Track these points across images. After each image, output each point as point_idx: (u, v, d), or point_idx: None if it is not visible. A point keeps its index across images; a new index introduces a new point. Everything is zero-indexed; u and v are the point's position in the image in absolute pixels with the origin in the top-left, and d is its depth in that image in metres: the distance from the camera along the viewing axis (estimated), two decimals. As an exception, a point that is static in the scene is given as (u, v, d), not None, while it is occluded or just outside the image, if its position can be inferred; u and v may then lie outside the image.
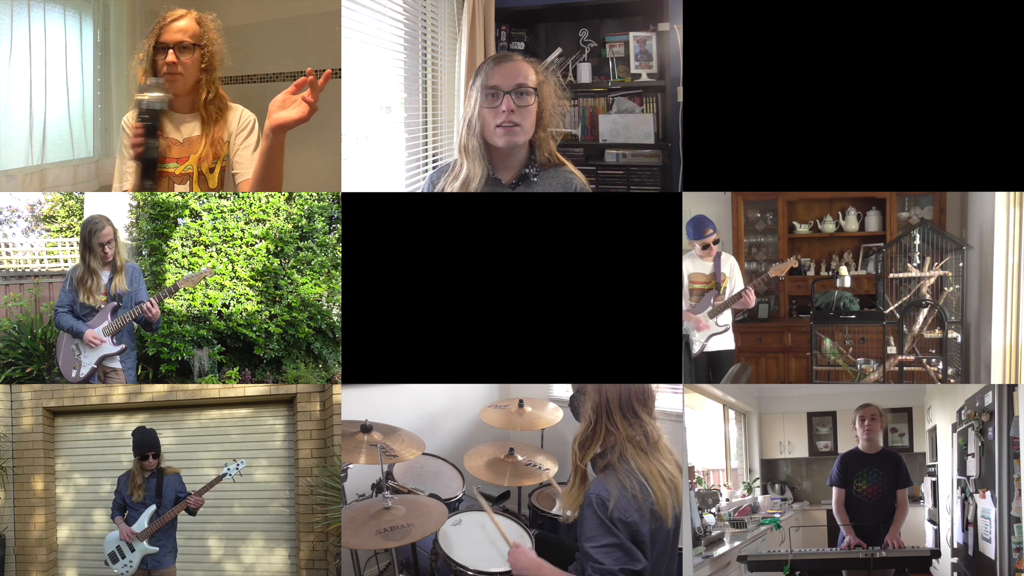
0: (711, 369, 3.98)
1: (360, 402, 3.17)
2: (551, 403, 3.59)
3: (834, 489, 3.43)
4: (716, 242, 3.89)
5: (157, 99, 2.55)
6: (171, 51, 2.78)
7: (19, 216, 5.86)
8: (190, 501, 3.10)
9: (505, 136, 2.32)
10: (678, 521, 2.03)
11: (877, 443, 3.41)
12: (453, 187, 2.42)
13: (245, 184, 2.83)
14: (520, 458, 3.24)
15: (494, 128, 2.33)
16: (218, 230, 4.40)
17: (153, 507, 3.09)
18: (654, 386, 2.14)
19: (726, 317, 3.88)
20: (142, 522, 3.06)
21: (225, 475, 3.16)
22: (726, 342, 3.94)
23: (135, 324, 3.25)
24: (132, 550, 3.06)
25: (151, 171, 2.58)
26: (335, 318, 4.64)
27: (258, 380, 4.26)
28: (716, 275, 3.88)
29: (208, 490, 3.14)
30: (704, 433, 3.79)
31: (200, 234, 4.38)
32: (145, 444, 3.15)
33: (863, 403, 3.44)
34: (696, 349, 3.89)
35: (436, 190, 2.50)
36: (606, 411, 2.03)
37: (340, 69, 3.45)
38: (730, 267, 3.93)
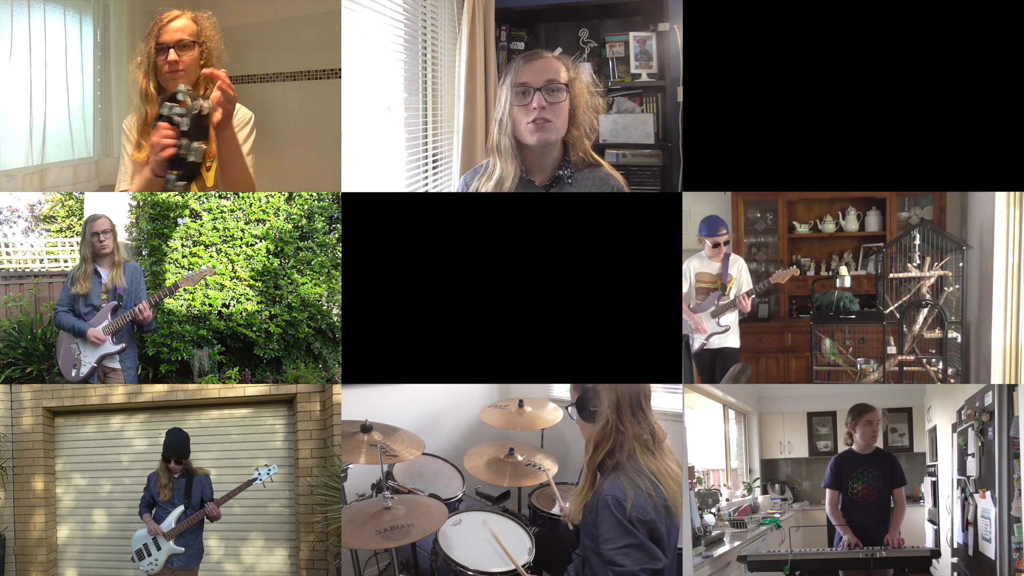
0: (716, 365, 4.00)
1: (360, 402, 3.17)
2: (551, 403, 3.59)
3: (827, 491, 3.43)
4: (726, 243, 3.94)
5: (195, 105, 2.54)
6: (172, 50, 2.78)
7: (19, 216, 5.86)
8: (208, 509, 3.09)
9: (537, 133, 2.26)
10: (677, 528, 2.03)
11: (872, 444, 3.41)
12: (487, 187, 2.37)
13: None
14: (520, 458, 3.24)
15: (525, 125, 2.27)
16: (218, 230, 4.40)
17: (181, 508, 3.09)
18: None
19: (728, 317, 3.92)
20: (169, 522, 3.08)
21: (255, 480, 3.14)
22: (730, 340, 3.97)
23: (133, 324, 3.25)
24: (159, 548, 3.07)
25: (186, 175, 2.55)
26: (335, 318, 4.64)
27: (258, 380, 4.26)
28: (723, 276, 3.92)
29: (232, 497, 3.13)
30: (704, 433, 3.78)
31: (200, 234, 4.38)
32: (171, 448, 3.14)
33: (861, 405, 3.43)
34: (696, 346, 3.93)
35: (470, 191, 2.46)
36: (618, 409, 2.01)
37: (340, 69, 3.45)
38: (738, 269, 3.96)
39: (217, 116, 2.48)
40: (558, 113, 2.27)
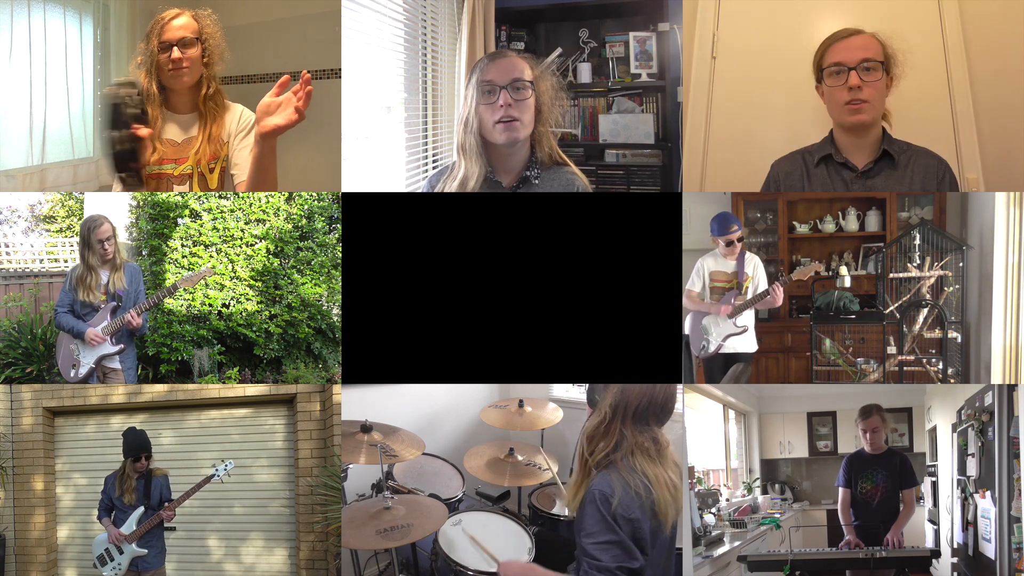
0: (729, 371, 3.86)
1: (360, 402, 3.17)
2: (551, 403, 3.59)
3: (840, 489, 3.44)
4: (740, 239, 3.78)
5: (118, 92, 2.52)
6: (175, 48, 2.78)
7: (19, 216, 5.86)
8: (163, 515, 3.07)
9: (505, 132, 2.27)
10: (675, 529, 2.02)
11: (881, 444, 3.41)
12: (451, 187, 2.39)
13: (242, 185, 2.84)
14: (520, 458, 3.24)
15: (493, 125, 2.28)
16: (218, 230, 4.40)
17: (141, 508, 3.07)
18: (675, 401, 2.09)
19: (745, 318, 3.75)
20: (130, 524, 3.05)
21: (214, 476, 3.14)
22: (748, 345, 3.80)
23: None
24: (121, 552, 3.04)
25: (122, 166, 2.55)
26: (335, 318, 4.65)
27: (258, 380, 4.26)
28: (739, 274, 3.78)
29: (192, 495, 3.11)
30: (704, 433, 3.78)
31: (200, 234, 4.38)
32: (137, 446, 3.12)
33: (865, 407, 3.43)
34: (712, 349, 3.79)
35: (435, 191, 2.48)
36: (622, 413, 1.99)
37: (340, 69, 3.45)
38: (753, 267, 3.81)
39: (279, 122, 2.45)
40: (524, 110, 2.28)
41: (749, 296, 3.73)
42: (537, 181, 2.37)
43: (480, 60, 2.39)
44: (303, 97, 2.43)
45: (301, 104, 2.42)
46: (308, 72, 2.46)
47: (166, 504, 3.10)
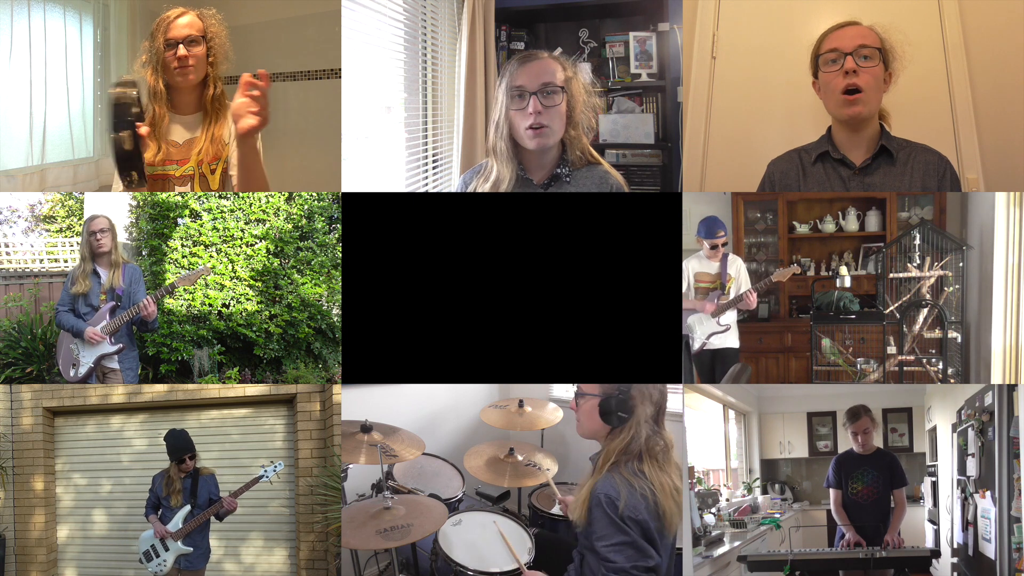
0: (715, 367, 3.97)
1: (360, 402, 3.17)
2: (551, 403, 3.59)
3: (831, 491, 3.44)
4: (724, 244, 3.91)
5: (121, 92, 2.52)
6: (180, 45, 2.78)
7: (19, 216, 5.86)
8: (225, 503, 3.08)
9: (535, 139, 2.27)
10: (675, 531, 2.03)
11: (872, 445, 3.41)
12: (484, 188, 2.40)
13: (235, 186, 2.84)
14: (520, 458, 3.24)
15: (523, 130, 2.27)
16: (218, 230, 4.40)
17: (188, 507, 3.08)
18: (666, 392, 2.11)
19: (727, 317, 3.89)
20: (176, 522, 3.06)
21: (263, 477, 3.13)
22: (730, 340, 3.93)
23: (134, 326, 3.25)
24: (166, 549, 3.06)
25: (125, 166, 2.55)
26: (335, 318, 4.65)
27: (258, 380, 4.26)
28: (722, 275, 3.90)
29: (244, 492, 3.11)
30: (704, 433, 3.78)
31: (200, 234, 4.38)
32: (180, 447, 3.11)
33: (852, 410, 3.43)
34: (696, 346, 3.90)
35: (469, 190, 2.48)
36: (647, 422, 1.99)
37: (340, 69, 3.45)
38: (736, 268, 3.94)
39: (253, 123, 2.40)
40: (554, 116, 2.27)
41: (731, 296, 3.86)
42: (568, 179, 2.37)
43: (510, 62, 2.36)
44: (251, 100, 2.39)
45: (256, 109, 2.39)
46: (264, 70, 2.40)
47: (223, 498, 3.09)
